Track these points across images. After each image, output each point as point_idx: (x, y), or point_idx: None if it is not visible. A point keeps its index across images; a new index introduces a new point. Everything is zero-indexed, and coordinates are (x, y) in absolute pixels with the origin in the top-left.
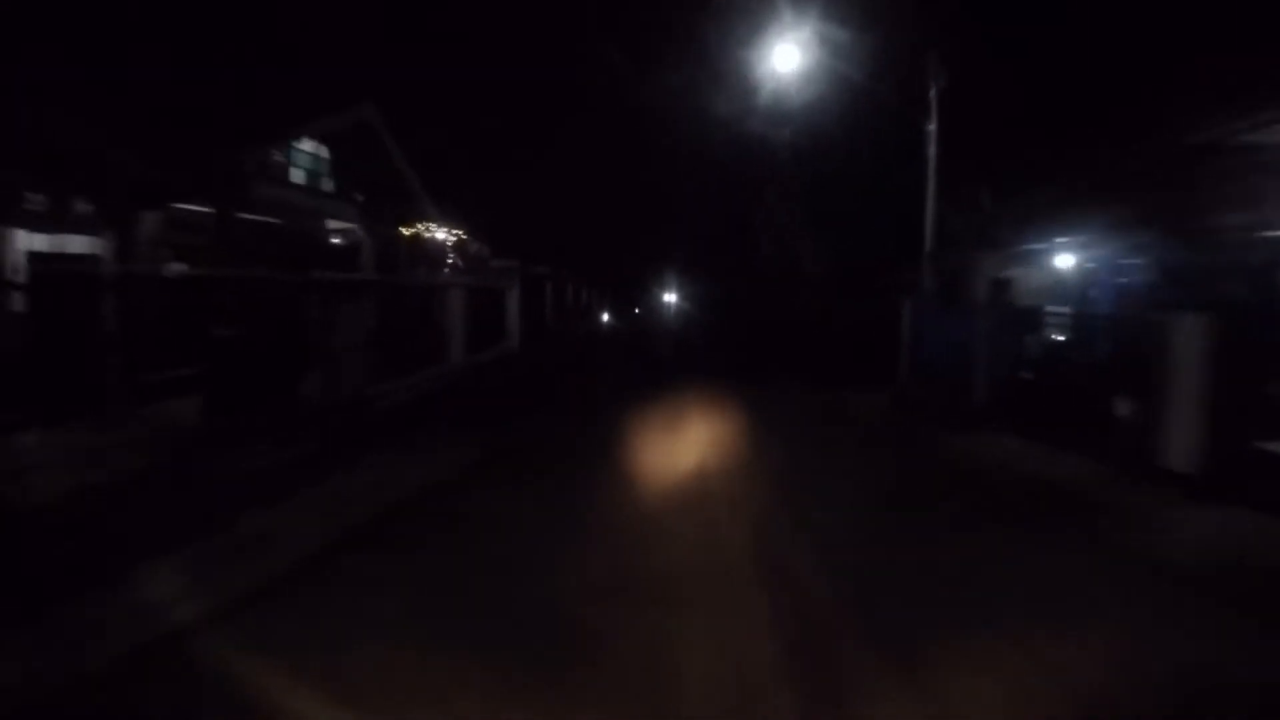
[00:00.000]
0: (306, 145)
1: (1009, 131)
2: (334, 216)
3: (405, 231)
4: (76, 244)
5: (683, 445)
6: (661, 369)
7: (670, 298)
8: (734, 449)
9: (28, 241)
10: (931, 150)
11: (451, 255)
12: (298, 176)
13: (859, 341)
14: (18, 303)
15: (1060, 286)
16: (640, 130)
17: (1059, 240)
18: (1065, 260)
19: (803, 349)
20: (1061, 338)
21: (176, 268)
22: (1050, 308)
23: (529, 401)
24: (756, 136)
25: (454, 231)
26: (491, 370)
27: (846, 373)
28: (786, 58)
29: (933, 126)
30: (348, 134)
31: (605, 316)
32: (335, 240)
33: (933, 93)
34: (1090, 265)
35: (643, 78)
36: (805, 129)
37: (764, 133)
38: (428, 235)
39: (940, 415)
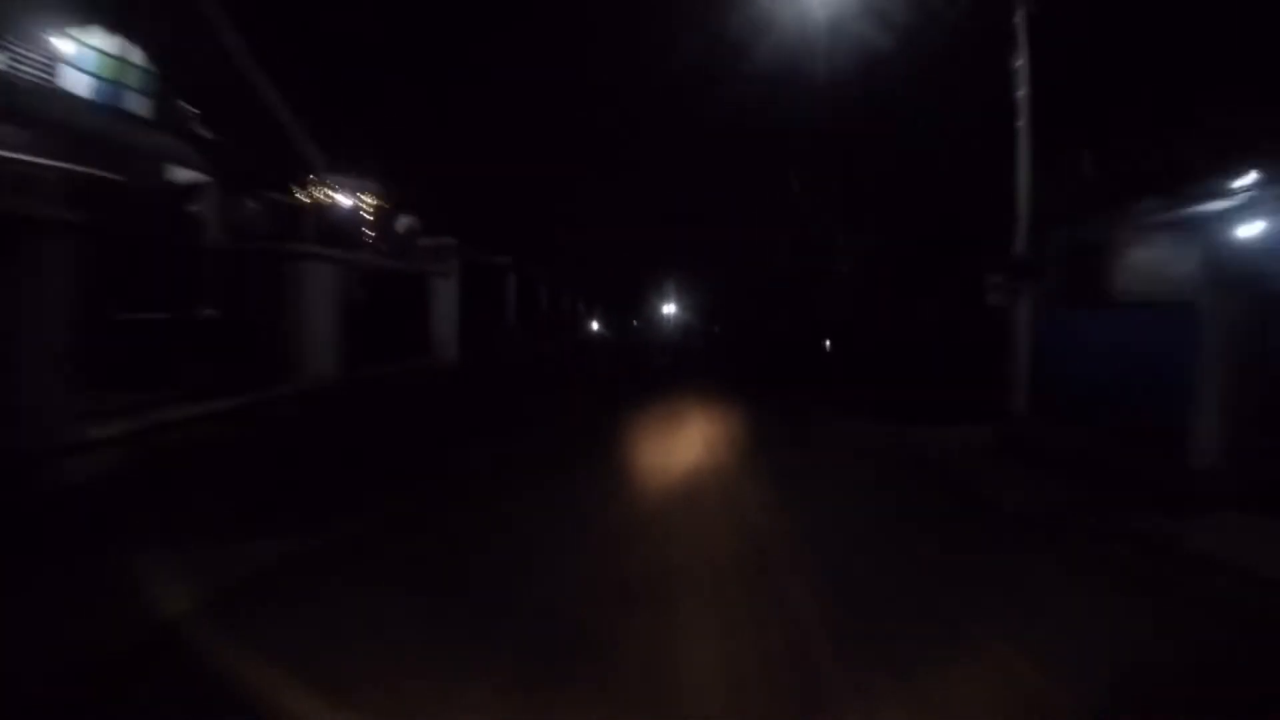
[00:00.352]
0: (98, 39)
1: (1123, 75)
2: (175, 160)
3: (303, 197)
4: None
5: (674, 580)
6: (655, 397)
7: (671, 309)
8: (780, 583)
9: None
10: (1022, 93)
11: (370, 231)
12: (85, 87)
13: (919, 356)
14: None
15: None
16: (638, 104)
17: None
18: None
19: (840, 368)
20: None
21: None
22: None
23: (412, 458)
24: (775, 103)
25: (369, 199)
26: (382, 395)
27: (907, 400)
28: None
29: (1021, 61)
30: (167, 24)
31: (595, 326)
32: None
33: (1019, 17)
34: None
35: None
36: (837, 90)
37: (785, 98)
38: (328, 201)
39: (1116, 478)
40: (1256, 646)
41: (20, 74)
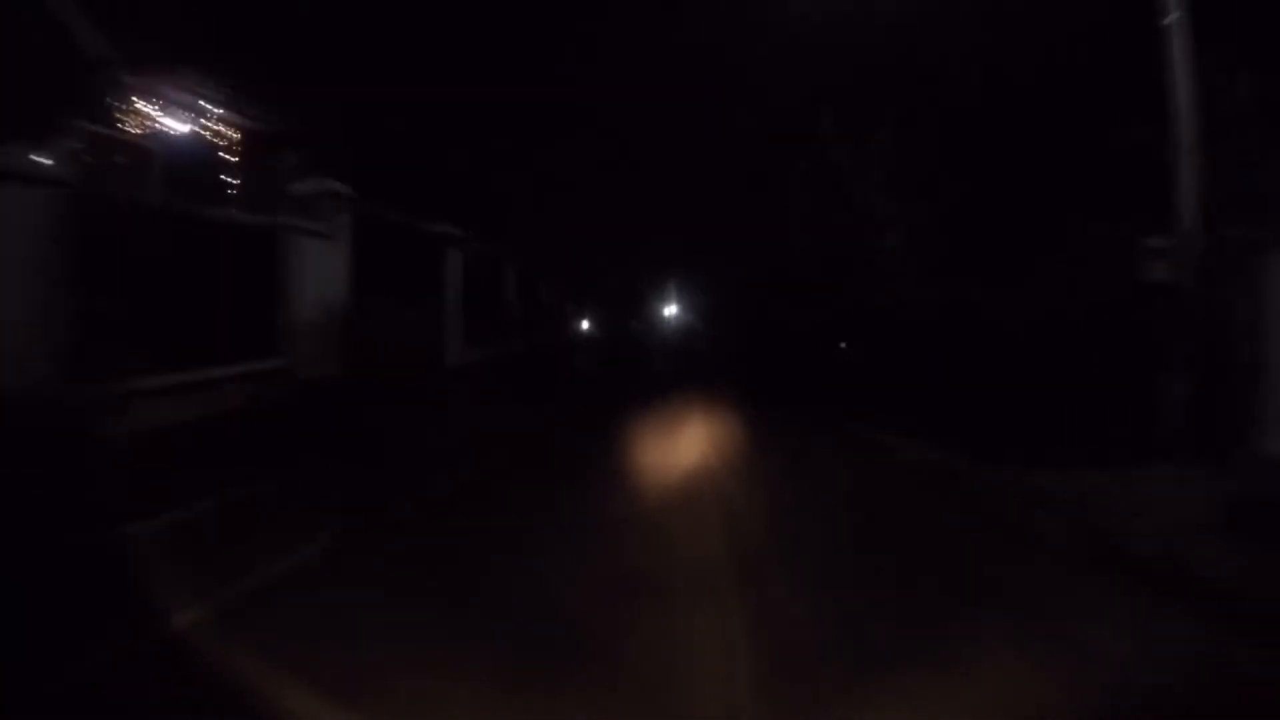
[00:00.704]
0: None
1: None
2: None
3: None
4: None
5: None
6: (643, 421)
7: (673, 309)
8: None
9: None
10: None
11: (227, 167)
12: None
13: (991, 354)
14: None
15: None
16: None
17: None
18: None
19: (882, 371)
20: None
21: None
22: None
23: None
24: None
25: (223, 125)
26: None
27: (990, 417)
28: None
29: None
30: None
31: (585, 325)
32: None
33: None
34: None
35: None
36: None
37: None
38: (149, 123)
39: None
40: None
41: None
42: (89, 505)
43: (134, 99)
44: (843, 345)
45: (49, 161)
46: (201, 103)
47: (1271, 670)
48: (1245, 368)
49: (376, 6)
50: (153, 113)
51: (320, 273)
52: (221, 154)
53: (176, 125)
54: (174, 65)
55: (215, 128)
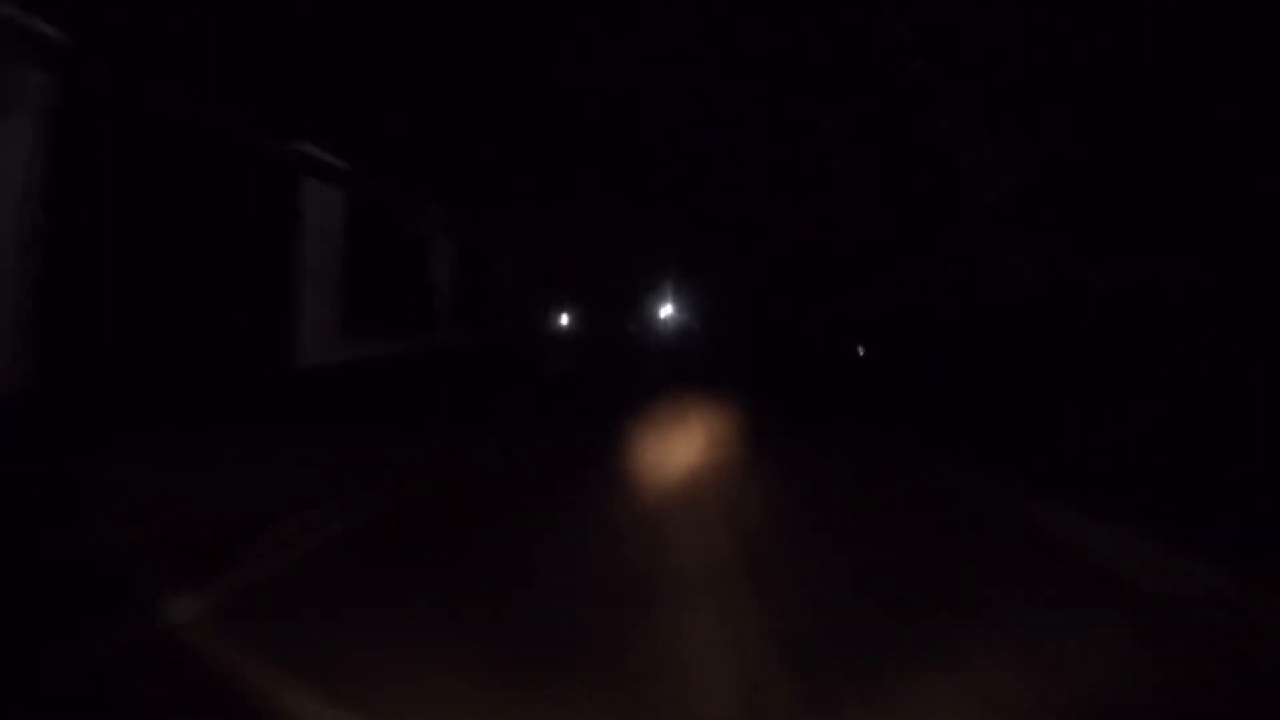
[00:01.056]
0: None
1: None
2: None
3: None
4: None
5: None
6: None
7: (669, 310)
8: None
9: None
10: None
11: None
12: None
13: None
14: None
15: None
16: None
17: None
18: None
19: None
20: None
21: None
22: None
23: None
24: None
25: None
26: None
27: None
28: None
29: None
30: None
31: (564, 321)
32: None
33: None
34: None
35: None
36: None
37: None
38: None
39: None
40: None
41: None
42: None
43: None
44: (861, 351)
45: None
46: None
47: None
48: None
49: None
50: None
51: None
52: None
53: None
54: None
55: None
